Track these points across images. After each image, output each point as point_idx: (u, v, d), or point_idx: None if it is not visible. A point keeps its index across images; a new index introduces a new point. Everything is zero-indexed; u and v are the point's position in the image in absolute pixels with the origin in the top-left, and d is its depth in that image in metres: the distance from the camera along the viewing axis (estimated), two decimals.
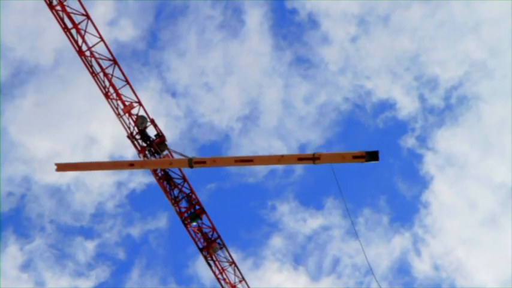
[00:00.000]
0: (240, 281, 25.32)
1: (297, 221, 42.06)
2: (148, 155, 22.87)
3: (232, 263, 24.96)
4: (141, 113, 21.74)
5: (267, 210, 41.83)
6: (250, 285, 25.62)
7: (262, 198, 42.91)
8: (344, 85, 42.09)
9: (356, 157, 15.77)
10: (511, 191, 39.93)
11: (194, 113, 41.34)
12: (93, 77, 21.21)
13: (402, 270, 40.07)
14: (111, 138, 40.28)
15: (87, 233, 39.63)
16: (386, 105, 42.33)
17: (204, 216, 24.07)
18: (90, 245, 39.16)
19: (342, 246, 41.84)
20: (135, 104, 21.50)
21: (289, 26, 43.07)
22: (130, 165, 19.51)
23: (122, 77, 21.21)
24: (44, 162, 38.39)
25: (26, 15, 35.56)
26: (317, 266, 39.47)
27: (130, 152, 39.99)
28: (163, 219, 41.26)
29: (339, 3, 42.39)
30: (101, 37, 20.42)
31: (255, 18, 40.96)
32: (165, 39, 41.55)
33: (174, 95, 41.45)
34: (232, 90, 41.23)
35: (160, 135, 22.44)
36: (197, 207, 23.80)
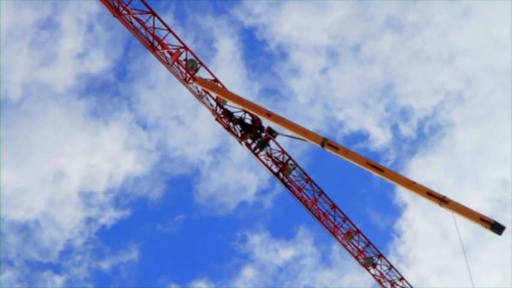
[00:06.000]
0: (320, 195, 26.14)
1: (269, 251, 43.38)
2: (250, 142, 23.68)
3: (308, 179, 25.70)
4: (190, 57, 22.19)
5: (237, 241, 43.18)
6: None
7: (231, 230, 44.32)
8: (315, 116, 42.35)
9: (483, 220, 16.29)
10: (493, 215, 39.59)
11: (166, 147, 41.56)
12: (135, 34, 21.63)
13: None
14: (80, 172, 40.47)
15: (56, 268, 40.55)
16: (358, 137, 42.33)
17: (270, 142, 24.74)
18: (59, 280, 40.30)
19: (314, 275, 42.90)
20: (181, 50, 21.89)
21: (259, 57, 42.40)
22: (268, 114, 19.89)
23: (163, 27, 21.57)
24: (11, 198, 39.06)
25: None
26: None
27: (101, 186, 40.22)
28: (135, 251, 42.39)
29: (308, 34, 41.44)
30: None
31: (226, 47, 40.59)
32: (135, 70, 41.23)
33: (145, 127, 41.39)
34: (203, 123, 41.20)
35: (256, 119, 22.89)
36: (263, 134, 24.38)
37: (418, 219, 43.61)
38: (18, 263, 40.16)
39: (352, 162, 18.94)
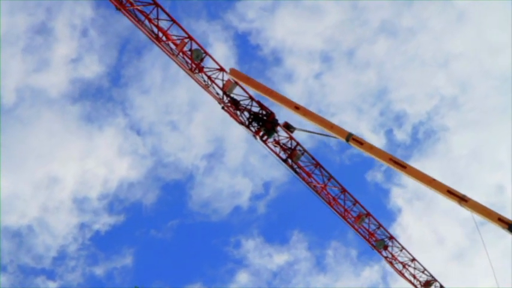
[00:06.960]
0: (329, 179, 26.22)
1: (263, 256, 43.60)
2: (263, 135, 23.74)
3: (317, 164, 25.78)
4: (194, 46, 22.20)
5: (231, 247, 43.35)
6: None
7: (225, 235, 44.55)
8: (308, 122, 41.63)
9: (501, 220, 16.41)
10: (479, 225, 39.45)
11: (160, 152, 41.49)
12: (139, 26, 21.63)
13: None
14: (74, 177, 40.26)
15: (49, 274, 40.59)
16: None
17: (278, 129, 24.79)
18: (53, 286, 40.39)
19: (308, 280, 43.12)
20: (186, 40, 21.92)
21: (252, 62, 42.17)
22: (296, 108, 20.09)
23: (167, 18, 21.57)
24: (4, 204, 38.76)
25: None
26: None
27: (95, 191, 39.81)
28: (129, 257, 42.27)
29: (302, 39, 41.23)
30: None
31: (220, 52, 40.17)
32: (129, 75, 41.12)
33: (139, 132, 41.32)
34: (197, 128, 41.88)
35: (270, 113, 22.98)
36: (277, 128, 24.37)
37: (413, 224, 43.79)
38: (11, 269, 40.19)
39: (376, 157, 19.35)
